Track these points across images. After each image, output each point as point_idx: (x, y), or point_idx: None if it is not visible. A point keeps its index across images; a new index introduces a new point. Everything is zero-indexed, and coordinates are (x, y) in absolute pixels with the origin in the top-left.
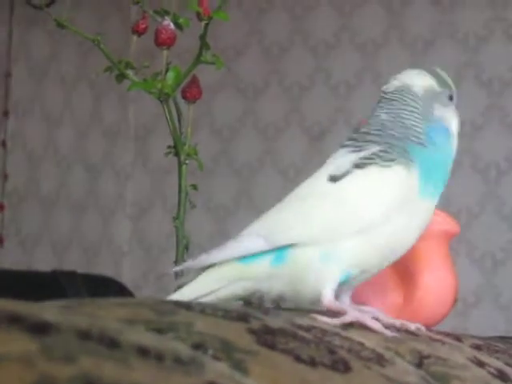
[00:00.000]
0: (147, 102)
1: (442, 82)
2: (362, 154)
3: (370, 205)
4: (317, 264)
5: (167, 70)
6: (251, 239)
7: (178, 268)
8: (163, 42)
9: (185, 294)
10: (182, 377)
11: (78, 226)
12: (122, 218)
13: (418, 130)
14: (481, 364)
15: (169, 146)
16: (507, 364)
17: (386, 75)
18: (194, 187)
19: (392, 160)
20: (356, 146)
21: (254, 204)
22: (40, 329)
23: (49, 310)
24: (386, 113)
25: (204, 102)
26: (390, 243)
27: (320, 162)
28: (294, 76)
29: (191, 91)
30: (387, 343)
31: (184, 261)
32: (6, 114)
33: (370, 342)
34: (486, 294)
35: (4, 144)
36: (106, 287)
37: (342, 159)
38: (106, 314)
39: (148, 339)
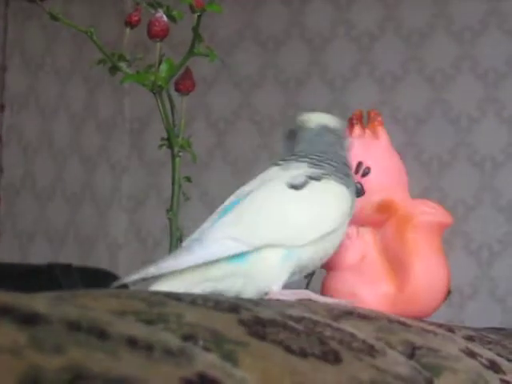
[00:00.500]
0: (142, 95)
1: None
2: (315, 169)
3: (332, 213)
4: (276, 264)
5: (160, 63)
6: (226, 242)
7: (133, 279)
8: (156, 34)
9: None
10: (171, 367)
11: (74, 219)
12: (117, 211)
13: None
14: (473, 355)
15: (162, 139)
16: (499, 355)
17: (382, 68)
18: (188, 179)
19: (342, 178)
20: (309, 163)
21: None
22: (30, 320)
23: (39, 302)
24: (315, 144)
25: (200, 94)
26: (333, 249)
27: None
28: (290, 69)
29: (184, 83)
30: (378, 334)
31: None
32: (1, 107)
33: (361, 332)
34: (483, 286)
35: None
36: (101, 280)
37: (295, 171)
38: (97, 306)
39: (138, 330)
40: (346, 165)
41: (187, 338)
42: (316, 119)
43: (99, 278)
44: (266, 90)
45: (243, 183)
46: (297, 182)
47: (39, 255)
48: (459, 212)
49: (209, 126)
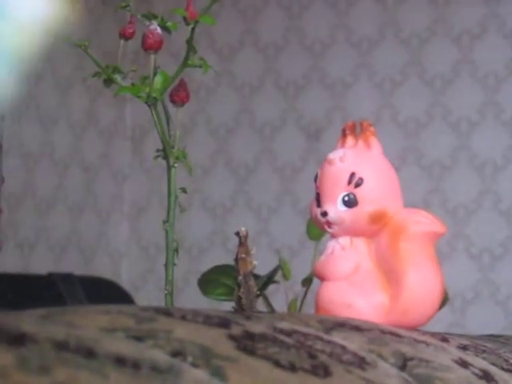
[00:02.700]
0: (143, 103)
1: None
2: None
3: None
4: None
5: (155, 74)
6: None
7: None
8: (150, 46)
9: None
10: None
11: (76, 228)
12: (119, 219)
13: None
14: (465, 365)
15: (157, 150)
16: (493, 364)
17: (381, 73)
18: (184, 190)
19: None
20: None
21: (251, 203)
22: (17, 340)
23: (27, 321)
24: None
25: (200, 101)
26: None
27: (317, 161)
28: (290, 75)
29: (179, 95)
30: (370, 345)
31: (174, 264)
32: (1, 116)
33: (352, 344)
34: (484, 290)
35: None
36: (102, 289)
37: None
38: (86, 323)
39: (126, 348)
40: None
41: (176, 354)
42: None
43: (101, 287)
44: (267, 95)
45: (245, 189)
46: None
47: (41, 264)
48: (460, 216)
49: (210, 133)
